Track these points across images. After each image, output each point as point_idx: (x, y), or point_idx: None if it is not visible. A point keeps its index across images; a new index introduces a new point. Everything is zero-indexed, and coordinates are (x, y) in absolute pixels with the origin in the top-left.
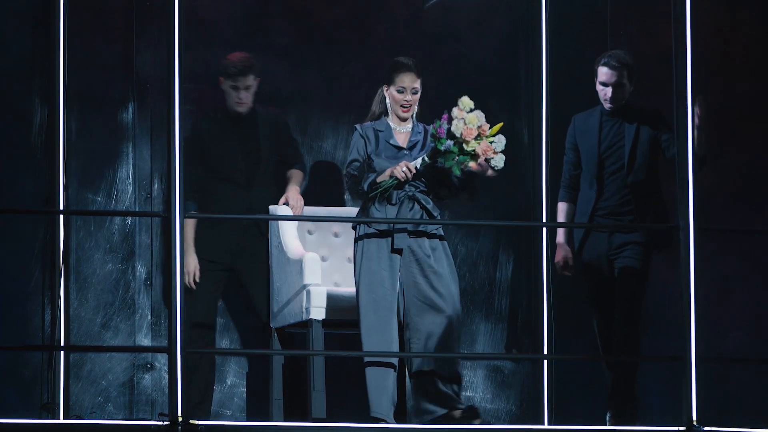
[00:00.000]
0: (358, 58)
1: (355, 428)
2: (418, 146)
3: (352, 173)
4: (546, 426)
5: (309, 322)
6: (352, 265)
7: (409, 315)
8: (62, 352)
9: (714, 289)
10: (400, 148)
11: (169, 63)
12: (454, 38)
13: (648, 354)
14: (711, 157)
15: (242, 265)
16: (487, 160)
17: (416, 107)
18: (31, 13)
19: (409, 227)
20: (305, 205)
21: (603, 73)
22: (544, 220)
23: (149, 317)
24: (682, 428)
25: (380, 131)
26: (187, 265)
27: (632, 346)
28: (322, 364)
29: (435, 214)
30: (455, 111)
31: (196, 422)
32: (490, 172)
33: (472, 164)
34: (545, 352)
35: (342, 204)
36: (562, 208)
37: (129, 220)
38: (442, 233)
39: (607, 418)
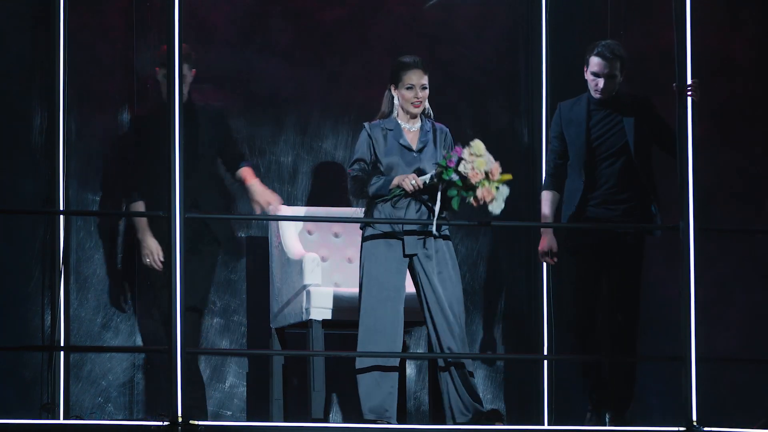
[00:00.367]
0: (358, 58)
1: (355, 428)
2: (428, 148)
3: (355, 174)
4: (546, 426)
5: (309, 323)
6: (352, 265)
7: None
8: (62, 353)
9: (714, 289)
10: (410, 149)
11: (169, 63)
12: (454, 38)
13: (648, 354)
14: (710, 156)
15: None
16: (484, 204)
17: (426, 103)
18: (31, 13)
19: (416, 228)
20: (304, 205)
21: (595, 63)
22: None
23: None
24: (682, 428)
25: (390, 130)
26: (149, 246)
27: (631, 344)
28: (322, 364)
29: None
30: (466, 153)
31: (196, 422)
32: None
33: (472, 200)
34: (545, 352)
35: (342, 204)
36: (547, 196)
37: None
38: (448, 233)
39: (607, 419)
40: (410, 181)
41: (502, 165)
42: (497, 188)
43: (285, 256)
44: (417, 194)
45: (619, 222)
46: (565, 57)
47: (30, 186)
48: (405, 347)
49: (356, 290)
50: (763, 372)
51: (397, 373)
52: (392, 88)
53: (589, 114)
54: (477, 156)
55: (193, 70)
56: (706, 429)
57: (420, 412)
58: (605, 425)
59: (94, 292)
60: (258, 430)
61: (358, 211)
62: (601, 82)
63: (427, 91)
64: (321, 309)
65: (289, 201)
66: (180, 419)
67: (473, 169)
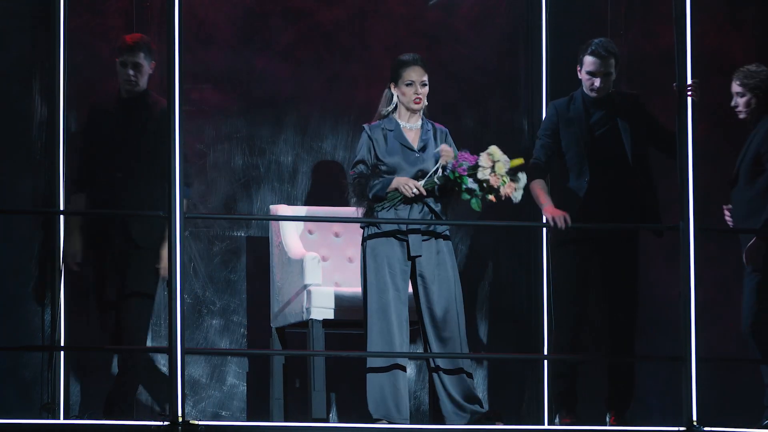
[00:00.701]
0: (358, 58)
1: (355, 428)
2: (430, 147)
3: (355, 179)
4: (546, 426)
5: (309, 323)
6: (352, 265)
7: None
8: (62, 352)
9: (714, 289)
10: (411, 149)
11: (169, 63)
12: (454, 38)
13: (648, 354)
14: (710, 156)
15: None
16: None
17: (426, 100)
18: (31, 13)
19: (421, 228)
20: (303, 204)
21: (591, 62)
22: (543, 221)
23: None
24: (682, 428)
25: (390, 131)
26: (73, 245)
27: (629, 342)
28: (323, 364)
29: (443, 217)
30: (484, 159)
31: (196, 422)
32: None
33: (491, 197)
34: (545, 352)
35: (342, 204)
36: (540, 184)
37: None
38: (448, 233)
39: (607, 419)
40: (411, 189)
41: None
42: (517, 179)
43: (285, 256)
44: (417, 199)
45: (618, 219)
46: (565, 57)
47: (30, 186)
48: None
49: (357, 290)
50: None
51: (405, 373)
52: (392, 87)
53: (588, 113)
54: (496, 161)
55: (153, 62)
56: (706, 429)
57: (420, 412)
58: (605, 425)
59: None
60: (258, 430)
61: (358, 211)
62: (597, 81)
63: (427, 88)
64: (321, 309)
65: (289, 201)
66: (180, 419)
67: (494, 172)
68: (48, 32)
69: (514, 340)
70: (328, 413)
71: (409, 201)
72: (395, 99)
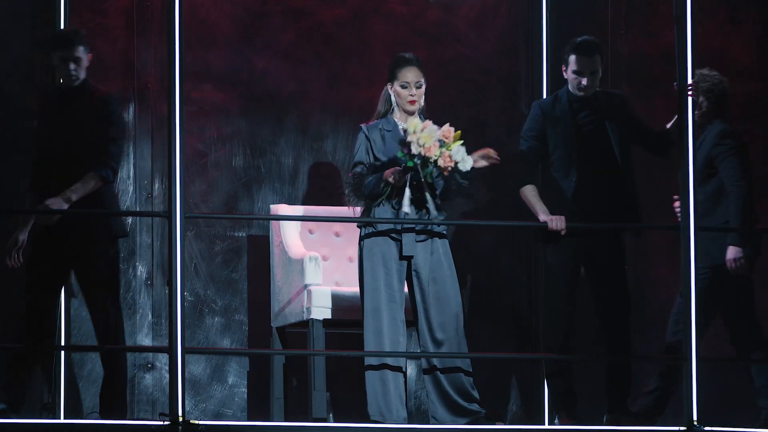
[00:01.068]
0: (358, 57)
1: (355, 428)
2: None
3: (351, 181)
4: (546, 426)
5: (310, 322)
6: (353, 264)
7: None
8: (62, 352)
9: None
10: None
11: (170, 63)
12: (455, 38)
13: (648, 354)
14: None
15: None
16: (455, 169)
17: (422, 101)
18: (31, 13)
19: (415, 227)
20: (304, 204)
21: (577, 61)
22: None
23: (150, 317)
24: (682, 428)
25: (388, 131)
26: (14, 239)
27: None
28: (323, 364)
29: (440, 217)
30: (408, 137)
31: (196, 422)
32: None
33: (440, 163)
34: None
35: (343, 204)
36: (532, 190)
37: (130, 219)
38: (445, 232)
39: (604, 419)
40: (393, 174)
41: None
42: (452, 149)
43: (286, 256)
44: (404, 184)
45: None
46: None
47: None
48: (406, 348)
49: (357, 290)
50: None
51: (402, 375)
52: (389, 86)
53: (574, 112)
54: (418, 132)
55: (90, 54)
56: (706, 429)
57: (420, 412)
58: (606, 425)
59: None
60: (259, 429)
61: (355, 211)
62: (584, 79)
63: (423, 89)
64: (322, 308)
65: (289, 201)
66: (181, 419)
67: (422, 146)
68: (48, 32)
69: (514, 340)
70: (328, 413)
71: (399, 186)
72: (392, 98)
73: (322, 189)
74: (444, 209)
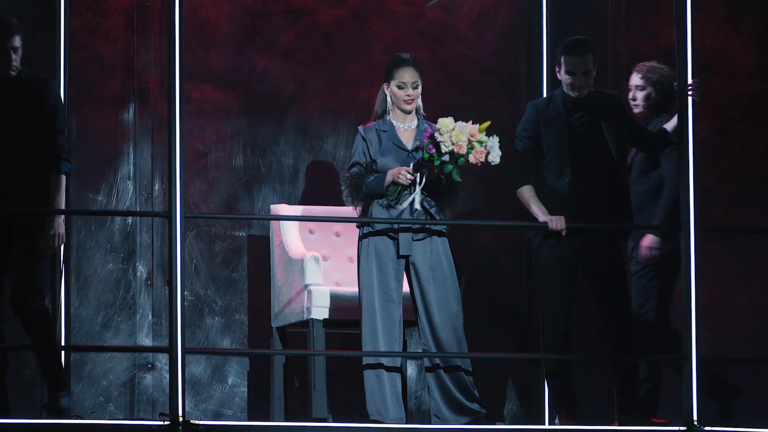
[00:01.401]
0: (358, 58)
1: (355, 428)
2: None
3: (350, 179)
4: (546, 426)
5: (310, 322)
6: (353, 264)
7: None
8: (63, 352)
9: (715, 288)
10: (404, 150)
11: (170, 63)
12: (455, 38)
13: (648, 354)
14: (710, 156)
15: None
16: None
17: (419, 101)
18: (31, 13)
19: (409, 226)
20: (304, 204)
21: (570, 61)
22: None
23: (150, 317)
24: (682, 428)
25: (384, 131)
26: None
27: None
28: (323, 363)
29: (438, 216)
30: (438, 136)
31: (196, 422)
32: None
33: (471, 158)
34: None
35: (343, 203)
36: (529, 191)
37: (130, 219)
38: (444, 231)
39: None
40: (406, 176)
41: (501, 164)
42: (484, 143)
43: (286, 256)
44: (414, 185)
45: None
46: None
47: None
48: (405, 347)
49: (357, 289)
50: (764, 372)
51: (398, 374)
52: (385, 86)
53: (569, 113)
54: (449, 131)
55: (22, 42)
56: (706, 429)
57: (420, 412)
58: (610, 425)
59: (95, 291)
60: (259, 429)
61: (356, 210)
62: (578, 79)
63: (419, 89)
64: (322, 308)
65: (290, 201)
66: (181, 419)
67: (455, 143)
68: (48, 32)
69: (514, 340)
70: (328, 413)
71: (407, 188)
72: (389, 98)
73: (322, 189)
74: (444, 209)
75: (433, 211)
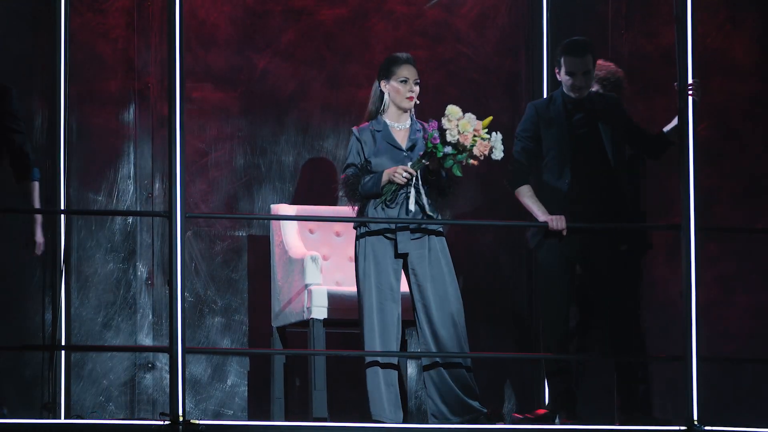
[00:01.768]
0: (358, 57)
1: (355, 428)
2: (418, 146)
3: (345, 179)
4: (546, 426)
5: (310, 322)
6: (353, 264)
7: (422, 316)
8: (63, 352)
9: (714, 289)
10: (399, 149)
11: (170, 63)
12: (455, 38)
13: (649, 354)
14: (710, 156)
15: None
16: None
17: (417, 99)
18: (31, 13)
19: (406, 225)
20: (304, 203)
21: (570, 62)
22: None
23: (150, 317)
24: (682, 428)
25: (378, 131)
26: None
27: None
28: (324, 363)
29: (434, 215)
30: (445, 122)
31: (197, 422)
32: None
33: (472, 161)
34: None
35: (343, 203)
36: (528, 190)
37: (130, 219)
38: (441, 230)
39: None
40: (401, 174)
41: (500, 164)
42: (489, 138)
43: (286, 255)
44: (410, 184)
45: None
46: None
47: None
48: (405, 347)
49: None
50: (764, 372)
51: (396, 372)
52: (382, 84)
53: (569, 114)
54: (457, 119)
55: None
56: (706, 429)
57: (420, 412)
58: (611, 425)
59: (95, 291)
60: (259, 429)
61: (355, 210)
62: (578, 80)
63: (418, 87)
64: (322, 308)
65: (290, 200)
66: (181, 418)
67: (460, 132)
68: (48, 32)
69: (514, 340)
70: (328, 412)
71: (403, 187)
72: (386, 97)
73: (322, 189)
74: (440, 208)
75: (428, 210)
